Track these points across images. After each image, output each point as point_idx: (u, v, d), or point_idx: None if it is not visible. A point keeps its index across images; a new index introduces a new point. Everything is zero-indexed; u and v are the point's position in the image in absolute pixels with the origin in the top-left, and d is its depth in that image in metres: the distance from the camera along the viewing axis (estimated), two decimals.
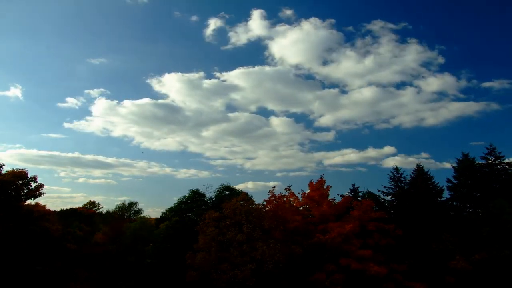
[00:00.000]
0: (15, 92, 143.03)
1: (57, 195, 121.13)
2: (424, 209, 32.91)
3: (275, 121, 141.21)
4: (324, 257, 28.68)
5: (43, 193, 33.62)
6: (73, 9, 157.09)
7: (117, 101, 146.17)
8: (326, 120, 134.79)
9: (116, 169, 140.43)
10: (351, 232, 28.51)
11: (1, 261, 29.65)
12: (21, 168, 33.02)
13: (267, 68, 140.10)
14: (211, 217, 30.49)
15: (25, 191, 32.78)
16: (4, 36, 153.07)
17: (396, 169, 38.04)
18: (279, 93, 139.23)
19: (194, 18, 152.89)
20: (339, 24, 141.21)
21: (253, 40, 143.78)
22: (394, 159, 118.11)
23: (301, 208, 34.85)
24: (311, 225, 31.56)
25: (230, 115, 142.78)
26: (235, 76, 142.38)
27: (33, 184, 33.11)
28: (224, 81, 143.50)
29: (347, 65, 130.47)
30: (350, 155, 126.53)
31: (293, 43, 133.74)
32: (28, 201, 34.96)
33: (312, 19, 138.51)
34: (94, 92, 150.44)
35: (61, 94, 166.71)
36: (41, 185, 33.38)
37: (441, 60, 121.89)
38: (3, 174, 32.29)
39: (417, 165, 38.11)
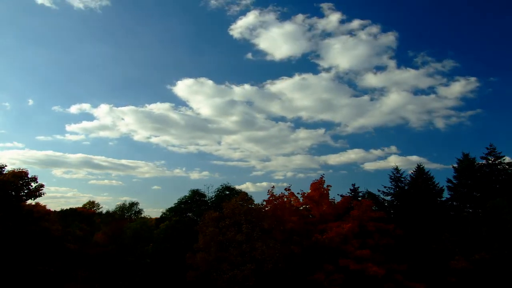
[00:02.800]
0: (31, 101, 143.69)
1: (63, 196, 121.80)
2: (424, 209, 32.91)
3: (302, 131, 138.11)
4: (323, 257, 28.66)
5: (44, 193, 33.74)
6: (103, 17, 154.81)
7: (139, 106, 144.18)
8: (350, 127, 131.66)
9: (129, 171, 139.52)
10: (350, 232, 28.50)
11: (1, 261, 29.71)
12: (22, 168, 33.16)
13: (311, 77, 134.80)
14: (210, 217, 30.51)
15: (26, 191, 32.86)
16: (35, 45, 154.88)
17: (397, 169, 38.06)
18: (318, 103, 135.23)
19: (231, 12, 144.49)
20: (400, 32, 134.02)
21: (301, 50, 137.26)
22: (402, 160, 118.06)
23: (301, 208, 34.84)
24: (310, 225, 31.57)
25: (255, 124, 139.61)
26: (280, 85, 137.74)
27: (33, 184, 33.21)
28: (266, 90, 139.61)
29: (390, 74, 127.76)
30: (358, 156, 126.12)
31: (348, 49, 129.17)
32: (29, 201, 35.09)
33: (373, 26, 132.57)
34: (114, 97, 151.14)
35: (77, 98, 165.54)
36: (42, 185, 33.49)
37: (464, 67, 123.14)
38: (3, 174, 32.36)
39: (418, 165, 38.15)
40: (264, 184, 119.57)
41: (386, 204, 37.06)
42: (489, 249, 27.75)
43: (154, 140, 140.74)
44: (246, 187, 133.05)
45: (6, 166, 32.98)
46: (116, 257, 38.72)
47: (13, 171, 32.71)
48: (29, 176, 33.19)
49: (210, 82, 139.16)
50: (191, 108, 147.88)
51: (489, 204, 29.35)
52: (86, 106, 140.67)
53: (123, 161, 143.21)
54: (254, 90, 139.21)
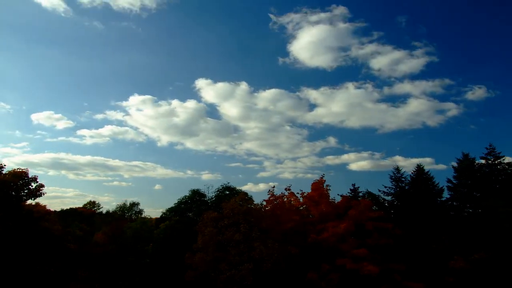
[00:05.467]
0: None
1: (69, 196, 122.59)
2: (424, 209, 32.87)
3: (319, 141, 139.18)
4: (321, 257, 28.67)
5: (44, 193, 33.65)
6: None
7: (161, 105, 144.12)
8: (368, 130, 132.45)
9: (140, 173, 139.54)
10: (346, 231, 28.45)
11: (1, 261, 29.72)
12: (22, 168, 33.17)
13: (352, 89, 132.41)
14: (209, 217, 30.56)
15: (26, 191, 32.83)
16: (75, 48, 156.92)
17: (397, 169, 38.00)
18: (347, 109, 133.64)
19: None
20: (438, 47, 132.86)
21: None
22: (409, 162, 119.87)
23: (301, 208, 34.84)
24: (309, 225, 31.55)
25: (278, 131, 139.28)
26: (312, 92, 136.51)
27: (33, 184, 33.16)
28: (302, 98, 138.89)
29: (419, 83, 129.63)
30: (366, 158, 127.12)
31: (389, 58, 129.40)
32: (29, 201, 35.07)
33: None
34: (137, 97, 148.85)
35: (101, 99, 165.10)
36: (42, 185, 33.41)
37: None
38: (3, 174, 32.35)
39: (417, 165, 38.05)
40: (273, 184, 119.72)
41: (386, 204, 37.03)
42: (487, 249, 27.76)
43: (178, 144, 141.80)
44: (249, 188, 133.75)
45: (5, 166, 32.99)
46: (116, 257, 38.78)
47: (13, 170, 32.69)
48: (29, 176, 33.21)
49: (242, 86, 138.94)
50: (218, 112, 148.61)
51: (485, 204, 29.35)
52: (112, 110, 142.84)
53: (135, 163, 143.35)
54: (285, 96, 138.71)
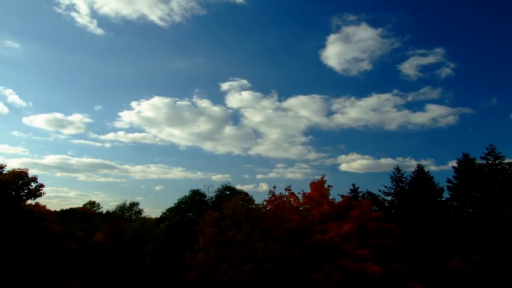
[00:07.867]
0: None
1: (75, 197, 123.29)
2: (424, 209, 32.92)
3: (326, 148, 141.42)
4: (323, 257, 28.67)
5: (44, 193, 33.70)
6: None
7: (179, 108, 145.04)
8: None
9: (152, 175, 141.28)
10: (350, 232, 28.46)
11: (1, 261, 29.68)
12: (22, 168, 33.14)
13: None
14: (210, 217, 30.48)
15: (25, 191, 32.82)
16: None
17: (397, 169, 38.05)
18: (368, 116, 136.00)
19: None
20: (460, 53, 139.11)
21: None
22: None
23: (302, 208, 34.83)
24: (310, 224, 31.53)
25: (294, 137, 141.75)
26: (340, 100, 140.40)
27: (33, 184, 33.16)
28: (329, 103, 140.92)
29: (439, 90, 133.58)
30: (372, 160, 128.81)
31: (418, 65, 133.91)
32: (29, 201, 35.07)
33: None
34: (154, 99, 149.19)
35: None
36: (42, 185, 33.47)
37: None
38: (3, 174, 32.33)
39: (418, 165, 38.12)
40: (280, 184, 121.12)
41: (386, 204, 37.07)
42: (488, 250, 27.76)
43: (197, 148, 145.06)
44: (251, 188, 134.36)
45: (6, 165, 32.99)
46: (116, 257, 38.73)
47: (13, 170, 32.70)
48: (29, 175, 33.21)
49: (271, 94, 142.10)
50: (242, 117, 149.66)
51: (488, 204, 29.34)
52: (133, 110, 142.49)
53: (149, 165, 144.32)
54: (310, 102, 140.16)
